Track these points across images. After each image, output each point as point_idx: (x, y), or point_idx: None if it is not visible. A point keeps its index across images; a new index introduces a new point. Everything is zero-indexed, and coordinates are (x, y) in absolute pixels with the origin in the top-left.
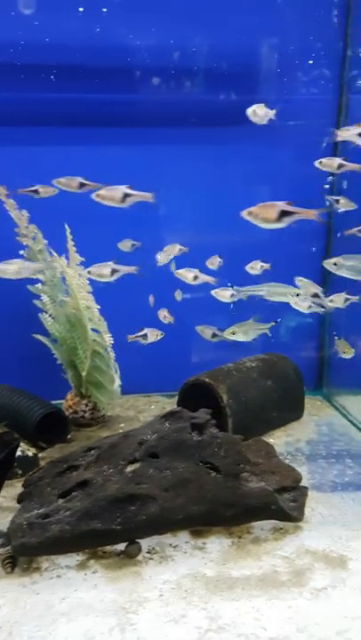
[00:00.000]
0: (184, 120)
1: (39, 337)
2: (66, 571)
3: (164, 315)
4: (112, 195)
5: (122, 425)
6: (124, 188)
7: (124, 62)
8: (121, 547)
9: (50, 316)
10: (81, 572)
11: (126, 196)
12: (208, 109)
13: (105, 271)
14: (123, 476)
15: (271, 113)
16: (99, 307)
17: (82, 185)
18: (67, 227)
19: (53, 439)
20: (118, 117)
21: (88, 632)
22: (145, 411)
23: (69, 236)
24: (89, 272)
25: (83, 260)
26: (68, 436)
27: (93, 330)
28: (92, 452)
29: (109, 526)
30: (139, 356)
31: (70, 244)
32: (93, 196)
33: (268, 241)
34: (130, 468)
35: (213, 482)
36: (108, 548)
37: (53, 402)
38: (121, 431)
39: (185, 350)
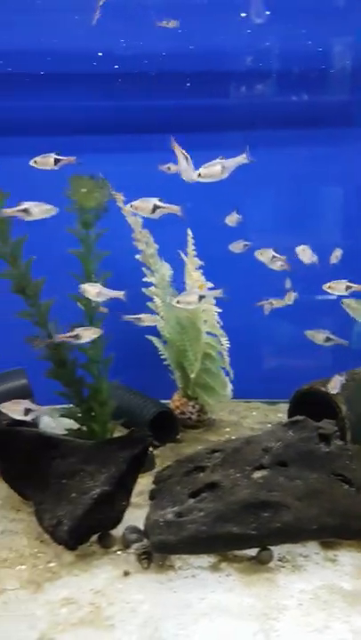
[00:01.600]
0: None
1: (151, 338)
2: (199, 571)
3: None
4: (144, 206)
5: (227, 429)
6: (155, 201)
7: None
8: (251, 552)
9: (161, 317)
10: (215, 573)
11: (156, 207)
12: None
13: (192, 299)
14: (251, 482)
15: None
16: (220, 310)
17: (56, 161)
18: (189, 232)
19: (164, 438)
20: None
21: (231, 634)
22: (247, 417)
23: (190, 240)
24: (178, 302)
25: (201, 263)
26: (177, 436)
27: (208, 334)
28: (217, 454)
29: (245, 531)
30: (239, 362)
31: (190, 247)
32: (128, 205)
33: None
34: (257, 474)
35: (346, 495)
36: (238, 552)
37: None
38: (227, 436)
39: (286, 357)
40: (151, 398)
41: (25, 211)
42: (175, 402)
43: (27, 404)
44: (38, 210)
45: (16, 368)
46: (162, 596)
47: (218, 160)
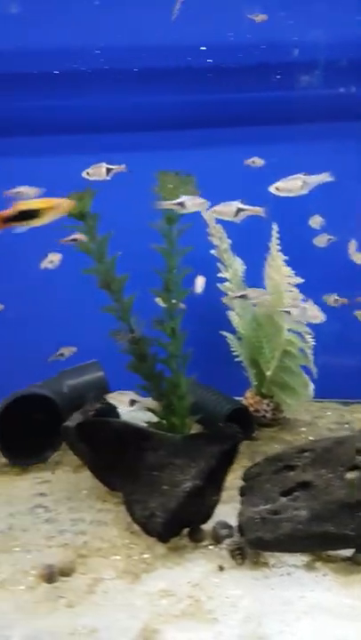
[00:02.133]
0: None
1: (225, 333)
2: (294, 570)
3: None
4: (227, 210)
5: (303, 429)
6: (237, 204)
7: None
8: (345, 552)
9: (236, 313)
10: (310, 572)
11: (240, 210)
12: None
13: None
14: (345, 482)
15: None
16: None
17: (108, 170)
18: (274, 226)
19: None
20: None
21: (338, 634)
22: (322, 417)
23: (275, 235)
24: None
25: (286, 258)
26: (253, 434)
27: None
28: (306, 454)
29: (342, 531)
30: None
31: (275, 242)
32: (210, 211)
33: None
34: (351, 475)
35: None
36: (332, 552)
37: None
38: (303, 436)
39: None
40: (225, 395)
41: (180, 204)
42: (248, 399)
43: (132, 395)
44: (192, 203)
45: (91, 361)
46: (260, 592)
47: (300, 175)
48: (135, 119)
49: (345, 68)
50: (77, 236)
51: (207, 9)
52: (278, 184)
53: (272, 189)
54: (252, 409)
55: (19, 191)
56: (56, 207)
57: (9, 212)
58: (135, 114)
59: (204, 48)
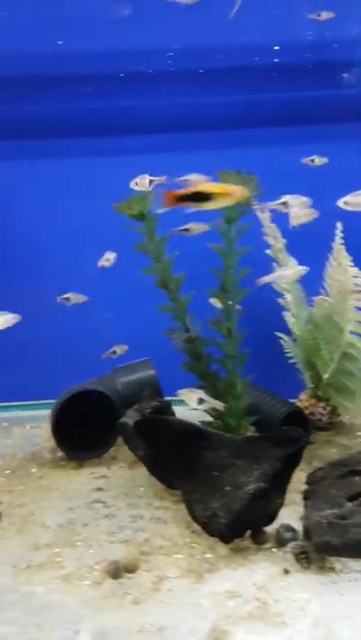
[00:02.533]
0: None
1: (280, 335)
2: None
3: None
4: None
5: (359, 433)
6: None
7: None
8: None
9: (292, 314)
10: None
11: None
12: None
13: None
14: None
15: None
16: None
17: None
18: (338, 225)
19: None
20: None
21: None
22: None
23: (339, 234)
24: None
25: (351, 258)
26: (309, 438)
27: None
28: None
29: None
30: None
31: (338, 242)
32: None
33: None
34: None
35: None
36: None
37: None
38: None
39: None
40: (280, 397)
41: (284, 204)
42: (303, 402)
43: (201, 394)
44: (296, 202)
45: (143, 358)
46: (328, 597)
47: None
48: (195, 118)
49: None
50: (190, 225)
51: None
52: (347, 198)
53: (340, 204)
54: (307, 412)
55: (188, 179)
56: (231, 194)
57: (184, 190)
58: (196, 113)
59: (277, 48)
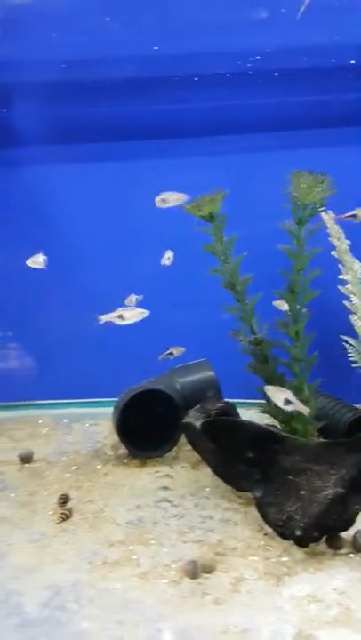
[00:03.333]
0: None
1: (345, 338)
2: None
3: None
4: None
5: None
6: None
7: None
8: None
9: (359, 317)
10: None
11: None
12: None
13: None
14: None
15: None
16: None
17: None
18: None
19: None
20: None
21: None
22: None
23: None
24: None
25: None
26: None
27: None
28: None
29: None
30: None
31: None
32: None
33: None
34: None
35: None
36: None
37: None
38: None
39: None
40: (345, 402)
41: (354, 216)
42: None
43: (289, 394)
44: None
45: (201, 359)
46: None
47: None
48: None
49: None
50: (356, 211)
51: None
52: None
53: None
54: None
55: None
56: None
57: None
58: (258, 113)
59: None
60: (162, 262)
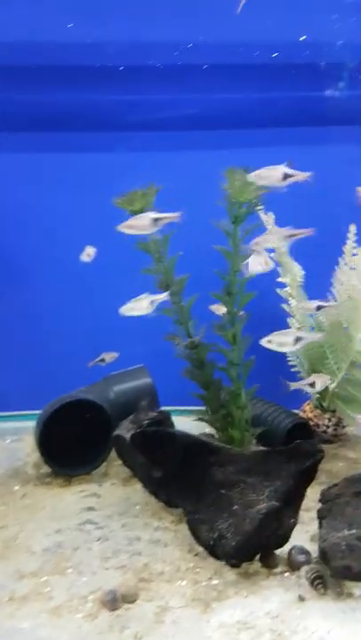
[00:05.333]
0: None
1: None
2: None
3: None
4: (273, 174)
5: None
6: (283, 168)
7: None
8: None
9: (296, 320)
10: None
11: (286, 176)
12: None
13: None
14: None
15: None
16: None
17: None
18: (352, 228)
19: None
20: None
21: None
22: None
23: (352, 238)
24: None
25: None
26: None
27: None
28: None
29: None
30: None
31: (350, 245)
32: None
33: None
34: None
35: None
36: None
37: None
38: None
39: None
40: (283, 407)
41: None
42: (307, 412)
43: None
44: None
45: (138, 365)
46: (350, 626)
47: None
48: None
49: None
50: None
51: None
52: None
53: None
54: (311, 423)
55: None
56: None
57: None
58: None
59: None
60: (81, 258)
